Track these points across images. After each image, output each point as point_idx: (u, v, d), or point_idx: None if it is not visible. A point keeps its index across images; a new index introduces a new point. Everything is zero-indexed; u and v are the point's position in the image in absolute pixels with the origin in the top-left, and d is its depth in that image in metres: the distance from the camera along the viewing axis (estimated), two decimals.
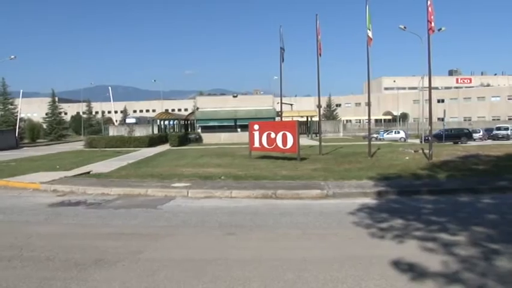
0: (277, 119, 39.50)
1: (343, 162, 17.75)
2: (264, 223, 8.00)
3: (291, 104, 65.95)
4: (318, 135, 34.31)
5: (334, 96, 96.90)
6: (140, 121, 70.92)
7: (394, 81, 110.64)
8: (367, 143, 21.87)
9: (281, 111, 28.91)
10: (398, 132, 47.11)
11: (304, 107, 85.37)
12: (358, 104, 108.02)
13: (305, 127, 53.53)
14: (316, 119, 52.28)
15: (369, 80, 20.23)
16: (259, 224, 7.96)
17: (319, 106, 24.93)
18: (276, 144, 18.96)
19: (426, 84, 23.06)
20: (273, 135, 19.14)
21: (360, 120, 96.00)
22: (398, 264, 5.48)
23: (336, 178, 12.85)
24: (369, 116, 21.24)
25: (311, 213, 8.70)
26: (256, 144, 20.12)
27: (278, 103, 33.20)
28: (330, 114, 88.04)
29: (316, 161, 18.69)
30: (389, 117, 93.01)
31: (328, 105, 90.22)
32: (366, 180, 12.36)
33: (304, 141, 35.42)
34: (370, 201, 9.88)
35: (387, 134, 47.25)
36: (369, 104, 20.61)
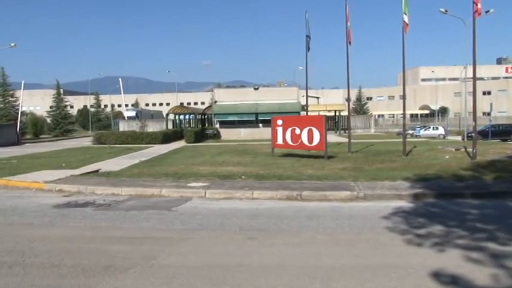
0: (303, 113, 39.33)
1: (375, 161, 17.58)
2: (289, 227, 7.98)
3: (318, 97, 65.59)
4: (346, 131, 34.00)
5: (364, 89, 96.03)
6: (142, 115, 70.15)
7: (433, 71, 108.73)
8: (401, 140, 21.61)
9: (307, 105, 28.78)
10: (437, 129, 46.40)
11: (331, 100, 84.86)
12: (391, 97, 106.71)
13: (333, 122, 53.18)
14: (345, 113, 51.83)
15: (404, 70, 19.93)
16: (283, 228, 7.95)
17: (348, 99, 24.69)
18: (301, 141, 18.92)
19: (470, 74, 22.58)
20: (297, 131, 19.09)
21: (393, 115, 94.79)
22: (439, 276, 5.37)
23: (367, 179, 12.73)
24: (404, 110, 20.92)
25: (340, 217, 8.65)
26: (280, 140, 20.11)
27: (303, 96, 33.05)
28: (360, 108, 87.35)
29: (345, 159, 18.57)
30: (427, 111, 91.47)
31: (358, 99, 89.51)
32: (401, 181, 12.20)
33: (332, 137, 35.19)
34: (405, 204, 9.75)
35: (424, 130, 46.57)
36: (403, 97, 20.32)
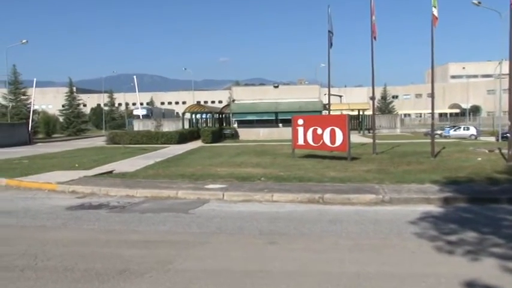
0: (325, 112, 39.13)
1: (402, 162, 17.42)
2: (310, 231, 7.95)
3: (340, 96, 65.34)
4: (371, 131, 33.72)
5: (390, 87, 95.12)
6: (153, 113, 70.26)
7: (464, 68, 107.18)
8: (429, 140, 21.33)
9: (329, 104, 28.61)
10: (468, 129, 45.66)
11: (355, 99, 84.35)
12: (418, 96, 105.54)
13: (356, 122, 52.80)
14: (369, 112, 51.41)
15: (432, 66, 19.65)
16: (305, 232, 7.92)
17: (373, 98, 24.46)
18: (323, 141, 18.84)
19: (505, 70, 22.14)
20: (319, 131, 19.02)
21: (420, 114, 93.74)
22: (473, 287, 5.27)
23: (392, 181, 12.61)
24: (432, 109, 20.64)
25: (364, 221, 8.58)
26: (301, 141, 20.07)
27: (325, 94, 32.87)
28: (385, 107, 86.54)
29: (369, 161, 18.45)
30: (457, 110, 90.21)
31: (383, 97, 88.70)
32: (429, 184, 12.05)
33: (356, 138, 34.95)
34: (434, 209, 9.62)
35: (454, 130, 45.90)
36: (432, 95, 20.03)
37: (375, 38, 22.01)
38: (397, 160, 18.39)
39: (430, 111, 21.94)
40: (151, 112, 71.67)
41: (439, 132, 43.71)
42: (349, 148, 18.20)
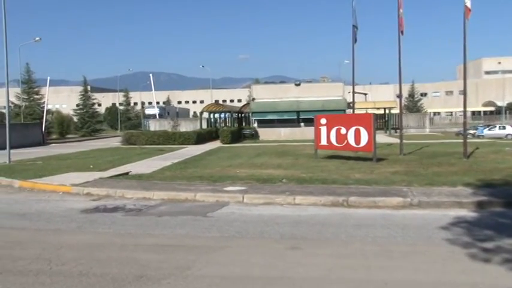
0: (349, 111, 38.88)
1: (431, 164, 17.22)
2: (334, 236, 7.91)
3: (365, 94, 64.76)
4: (398, 131, 33.41)
5: (418, 84, 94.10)
6: (167, 113, 70.04)
7: (499, 62, 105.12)
8: (461, 140, 21.04)
9: (353, 102, 28.46)
10: (504, 128, 44.77)
11: (380, 97, 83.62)
12: (449, 93, 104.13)
13: (382, 121, 52.34)
14: (395, 111, 50.94)
15: (465, 61, 19.36)
16: (329, 237, 7.88)
17: (400, 96, 24.20)
18: (347, 141, 18.75)
19: None
20: (343, 130, 18.92)
21: (451, 112, 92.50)
22: None
23: (422, 184, 12.46)
24: (465, 107, 20.33)
25: (391, 226, 8.49)
26: (323, 141, 19.99)
27: (349, 92, 32.66)
28: (413, 105, 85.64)
29: (396, 162, 18.29)
30: (492, 108, 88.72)
31: (411, 95, 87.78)
32: (461, 187, 11.87)
33: (382, 138, 34.66)
34: (467, 213, 9.47)
35: (489, 129, 45.06)
36: (464, 92, 19.75)
37: (402, 32, 21.78)
38: (426, 161, 18.18)
39: (461, 109, 21.63)
40: (165, 111, 71.48)
41: (471, 131, 42.97)
42: (375, 148, 18.06)
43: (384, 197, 10.81)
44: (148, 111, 74.00)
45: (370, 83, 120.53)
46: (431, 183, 12.43)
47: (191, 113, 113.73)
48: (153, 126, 58.09)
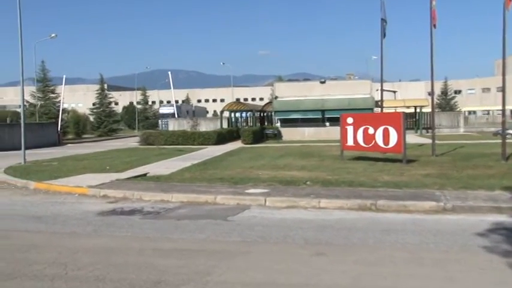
0: (377, 110, 38.55)
1: (466, 166, 16.97)
2: (362, 242, 7.86)
3: (394, 92, 64.29)
4: (429, 130, 32.97)
5: (452, 80, 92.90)
6: (182, 112, 69.00)
7: None
8: (499, 141, 20.65)
9: (381, 101, 28.17)
10: None
11: (411, 94, 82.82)
12: (486, 90, 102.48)
13: (412, 121, 51.78)
14: (427, 110, 50.34)
15: (504, 56, 18.99)
16: (356, 242, 7.84)
17: (431, 93, 23.89)
18: (375, 142, 18.61)
19: None
20: (371, 130, 18.79)
21: (488, 111, 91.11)
22: None
23: (456, 187, 12.29)
24: (503, 105, 19.93)
25: (423, 232, 8.40)
26: (350, 141, 19.88)
27: (377, 90, 32.37)
28: (446, 103, 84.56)
29: (428, 164, 18.08)
30: None
31: (444, 92, 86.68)
32: (500, 191, 11.66)
33: (412, 138, 34.29)
34: (507, 219, 9.31)
35: None
36: (503, 89, 19.36)
37: (434, 25, 21.50)
38: (460, 163, 17.92)
39: (500, 107, 21.23)
40: (180, 110, 70.09)
41: (511, 131, 42.22)
42: (405, 149, 17.88)
43: (415, 200, 10.69)
44: (163, 110, 73.15)
45: (400, 80, 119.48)
46: (466, 187, 12.25)
47: (211, 112, 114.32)
48: (172, 125, 58.48)
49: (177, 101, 79.11)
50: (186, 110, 74.32)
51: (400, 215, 9.94)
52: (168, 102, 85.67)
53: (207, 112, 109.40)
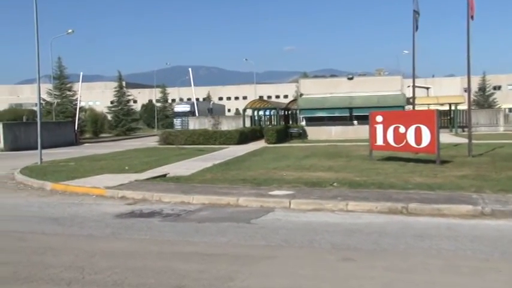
0: (408, 107, 38.19)
1: (506, 167, 16.69)
2: (392, 247, 7.79)
3: (427, 88, 63.55)
4: (465, 129, 32.53)
5: (490, 75, 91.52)
6: (199, 110, 66.89)
7: None
8: None
9: (413, 98, 27.89)
10: None
11: (445, 91, 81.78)
12: None
13: (447, 119, 51.15)
14: (463, 107, 49.66)
15: None
16: (386, 247, 7.77)
17: (468, 89, 23.55)
18: (407, 141, 18.46)
19: None
20: (402, 129, 18.64)
21: None
22: None
23: (494, 190, 12.09)
24: None
25: (459, 238, 8.28)
26: (379, 141, 19.77)
27: (409, 87, 32.07)
28: (484, 100, 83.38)
29: (464, 164, 17.85)
30: None
31: (482, 88, 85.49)
32: None
33: (447, 137, 33.86)
34: None
35: None
36: None
37: (472, 17, 21.15)
38: (500, 164, 17.63)
39: None
40: (197, 108, 68.43)
41: None
42: (439, 149, 17.67)
43: (450, 204, 10.56)
44: (178, 109, 71.89)
45: (433, 76, 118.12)
46: (506, 190, 12.03)
47: (233, 110, 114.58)
48: (192, 124, 58.78)
49: (197, 99, 78.81)
50: (203, 107, 73.60)
51: (433, 219, 9.82)
52: (189, 99, 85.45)
53: (229, 110, 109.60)
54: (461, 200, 10.88)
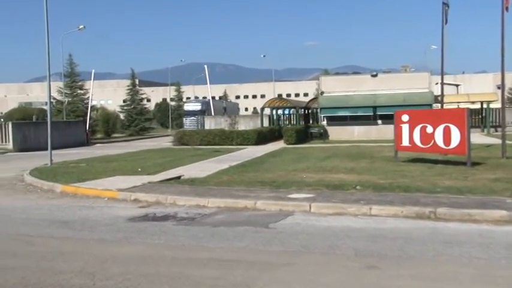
0: (436, 106, 37.89)
1: None
2: (420, 254, 7.70)
3: (457, 85, 63.00)
4: (499, 129, 32.15)
5: None
6: (215, 109, 64.63)
7: None
8: None
9: (442, 95, 27.70)
10: None
11: (476, 88, 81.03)
12: None
13: (478, 118, 50.64)
14: (496, 105, 49.08)
15: None
16: (412, 255, 7.69)
17: (502, 86, 23.24)
18: (435, 142, 18.34)
19: None
20: (429, 129, 18.52)
21: None
22: None
23: None
24: None
25: (492, 245, 8.16)
26: (405, 141, 19.67)
27: (437, 84, 31.86)
28: None
29: (497, 167, 17.66)
30: None
31: None
32: None
33: (478, 138, 33.51)
34: None
35: None
36: None
37: (506, 8, 20.84)
38: None
39: None
40: (208, 106, 65.95)
41: None
42: (469, 150, 17.50)
43: (482, 209, 10.42)
44: (188, 107, 69.21)
45: (463, 72, 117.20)
46: None
47: (251, 109, 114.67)
48: (208, 124, 58.88)
49: (213, 97, 78.10)
50: (219, 106, 72.44)
51: (464, 225, 9.70)
52: (204, 97, 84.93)
53: (246, 109, 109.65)
54: (494, 205, 10.74)
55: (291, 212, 11.13)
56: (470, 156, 17.63)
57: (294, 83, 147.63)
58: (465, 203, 11.09)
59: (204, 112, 62.69)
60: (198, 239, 9.03)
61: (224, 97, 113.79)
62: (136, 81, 75.26)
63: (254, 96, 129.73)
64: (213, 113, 62.87)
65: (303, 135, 39.51)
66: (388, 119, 33.65)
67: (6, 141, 38.10)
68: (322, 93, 43.97)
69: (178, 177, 16.85)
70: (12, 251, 8.46)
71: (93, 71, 55.78)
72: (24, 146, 36.59)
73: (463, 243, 8.26)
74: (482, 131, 47.35)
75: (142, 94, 73.27)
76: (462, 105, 40.71)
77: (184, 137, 38.00)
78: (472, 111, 35.58)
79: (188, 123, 61.84)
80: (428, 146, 18.71)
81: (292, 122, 55.66)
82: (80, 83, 61.97)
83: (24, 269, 7.24)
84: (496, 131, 43.70)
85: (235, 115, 59.56)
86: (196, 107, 66.05)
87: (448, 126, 17.84)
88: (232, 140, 36.80)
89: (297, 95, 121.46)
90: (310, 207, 11.27)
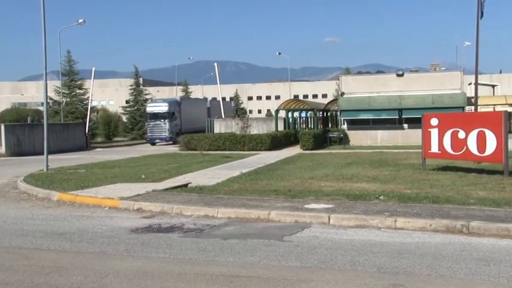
0: (469, 109, 37.68)
1: None
2: (450, 272, 7.66)
3: (493, 85, 62.44)
4: None
5: None
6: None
7: None
8: None
9: (476, 97, 27.55)
10: None
11: None
12: None
13: None
14: None
15: None
16: (442, 273, 7.65)
17: None
18: (467, 148, 18.21)
19: None
20: (461, 134, 18.41)
21: None
22: None
23: None
24: None
25: None
26: (434, 148, 19.56)
27: (470, 84, 31.69)
28: None
29: None
30: None
31: None
32: None
33: None
34: None
35: None
36: None
37: None
38: None
39: None
40: (179, 107, 55.75)
41: None
42: (507, 158, 17.35)
43: None
44: (151, 108, 55.76)
45: (501, 72, 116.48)
46: None
47: (264, 111, 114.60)
48: (218, 127, 58.75)
49: (224, 98, 75.15)
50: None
51: (501, 241, 9.62)
52: (214, 98, 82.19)
53: (259, 111, 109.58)
54: None
55: (308, 223, 11.13)
56: (508, 165, 17.48)
57: (312, 83, 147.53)
58: (502, 216, 11.01)
59: (173, 114, 53.74)
60: (207, 252, 9.04)
61: (236, 98, 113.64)
62: (140, 81, 75.22)
63: (268, 98, 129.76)
64: (223, 115, 62.60)
65: (321, 140, 39.45)
66: (415, 122, 33.52)
67: None
68: (342, 94, 43.91)
69: (186, 185, 16.91)
70: (4, 265, 8.51)
71: (93, 69, 55.87)
72: (17, 150, 36.87)
73: (500, 262, 8.19)
74: None
75: (146, 94, 73.04)
76: (499, 108, 40.42)
77: (191, 142, 38.14)
78: (510, 115, 35.36)
79: (151, 128, 53.49)
80: (460, 153, 18.59)
81: (309, 125, 55.54)
82: (79, 82, 61.78)
83: (17, 285, 7.30)
84: None
85: (248, 118, 59.46)
86: (162, 108, 54.70)
87: (483, 131, 17.72)
88: (244, 144, 36.84)
89: (314, 96, 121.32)
90: (329, 219, 11.27)
